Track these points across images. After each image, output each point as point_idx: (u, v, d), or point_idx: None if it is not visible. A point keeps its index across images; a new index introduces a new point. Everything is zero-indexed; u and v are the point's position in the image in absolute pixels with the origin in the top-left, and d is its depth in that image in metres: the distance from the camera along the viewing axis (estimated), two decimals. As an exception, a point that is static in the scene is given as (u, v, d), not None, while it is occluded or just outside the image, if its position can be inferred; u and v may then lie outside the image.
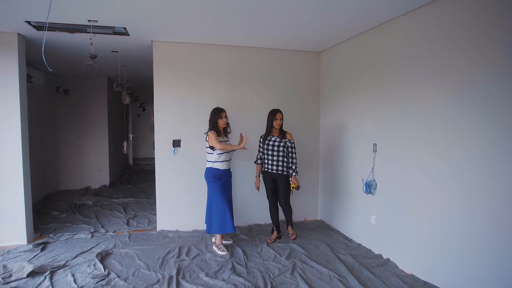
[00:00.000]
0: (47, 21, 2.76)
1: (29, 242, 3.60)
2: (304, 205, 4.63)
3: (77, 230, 4.02)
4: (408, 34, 2.91)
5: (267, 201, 4.50)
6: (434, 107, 2.66)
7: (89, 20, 3.09)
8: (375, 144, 3.39)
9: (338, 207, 4.13)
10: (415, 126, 2.86)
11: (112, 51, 4.36)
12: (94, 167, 6.72)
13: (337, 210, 4.16)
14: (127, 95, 5.54)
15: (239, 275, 2.87)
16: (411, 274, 2.88)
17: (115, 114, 7.28)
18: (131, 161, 10.04)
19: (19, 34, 3.45)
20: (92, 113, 6.62)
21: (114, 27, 3.33)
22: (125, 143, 5.59)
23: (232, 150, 3.49)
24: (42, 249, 3.41)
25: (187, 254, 3.32)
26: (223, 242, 3.61)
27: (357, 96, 3.70)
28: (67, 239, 3.72)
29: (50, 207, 5.03)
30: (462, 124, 2.42)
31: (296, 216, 4.56)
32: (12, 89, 3.48)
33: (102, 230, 4.03)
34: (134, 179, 7.71)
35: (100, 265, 3.00)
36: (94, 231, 4.00)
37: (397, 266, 3.05)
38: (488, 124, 2.23)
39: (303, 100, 4.52)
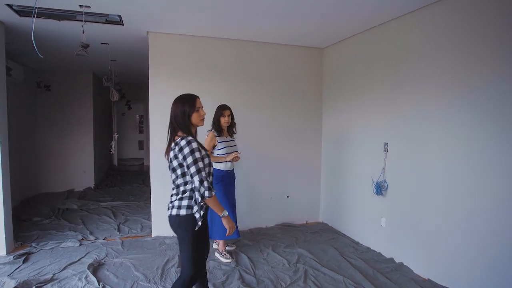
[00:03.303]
0: (36, 5, 2.43)
1: (8, 252, 3.22)
2: (306, 207, 4.47)
3: (63, 237, 3.66)
4: (422, 30, 2.80)
5: (266, 204, 4.31)
6: (448, 104, 2.55)
7: (80, 6, 2.78)
8: (386, 144, 3.26)
9: (344, 209, 3.98)
10: (430, 124, 2.75)
11: (102, 43, 4.03)
12: (78, 168, 6.28)
13: (343, 212, 4.01)
14: (116, 92, 5.18)
15: (248, 285, 2.65)
16: (428, 279, 2.76)
17: (101, 112, 6.87)
18: (115, 162, 9.56)
19: (-2, 20, 3.09)
20: (76, 111, 6.18)
21: (108, 14, 3.03)
22: (113, 143, 5.24)
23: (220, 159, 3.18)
24: (24, 261, 3.05)
25: (188, 263, 3.06)
26: (226, 248, 3.38)
27: (366, 94, 3.56)
28: (52, 248, 3.37)
29: (31, 212, 4.62)
30: (479, 121, 2.32)
31: (298, 219, 4.40)
32: (-10, 82, 3.11)
33: (91, 237, 3.69)
34: (120, 180, 7.30)
35: (93, 278, 2.70)
36: (82, 239, 3.65)
37: (412, 271, 2.92)
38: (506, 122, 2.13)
39: (305, 97, 4.35)
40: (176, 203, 1.87)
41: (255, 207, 4.18)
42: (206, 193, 1.77)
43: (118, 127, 9.77)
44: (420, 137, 2.87)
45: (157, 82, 3.75)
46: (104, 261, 3.08)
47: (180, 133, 1.88)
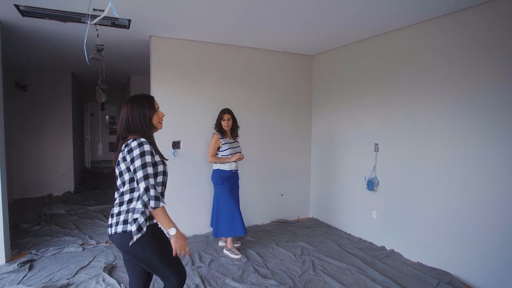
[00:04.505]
0: (88, 12, 2.38)
1: (8, 261, 3.09)
2: (297, 204, 4.75)
3: (61, 243, 3.56)
4: (415, 42, 3.18)
5: (262, 202, 4.54)
6: (436, 107, 2.98)
7: (94, 9, 2.77)
8: (376, 144, 3.64)
9: (335, 204, 4.33)
10: (418, 126, 3.16)
11: (97, 45, 3.95)
12: (56, 172, 5.99)
13: (333, 207, 4.35)
14: (103, 93, 5.06)
15: (265, 277, 2.85)
16: (418, 262, 3.17)
17: (79, 114, 6.59)
18: (88, 165, 9.15)
19: (-3, 19, 2.95)
20: (54, 113, 5.89)
21: (118, 18, 3.04)
22: (100, 145, 5.10)
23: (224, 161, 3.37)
24: (29, 268, 2.96)
25: (200, 261, 3.19)
26: (234, 245, 3.54)
27: (356, 99, 3.91)
28: (54, 254, 3.28)
29: (14, 219, 4.36)
30: (465, 122, 2.75)
31: (290, 215, 4.68)
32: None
33: (92, 241, 3.64)
34: (98, 184, 7.06)
35: (112, 280, 2.72)
36: (83, 243, 3.59)
37: (402, 256, 3.32)
38: (485, 127, 2.58)
39: (295, 101, 4.63)
40: (122, 218, 1.58)
41: (252, 205, 4.37)
42: (151, 203, 1.51)
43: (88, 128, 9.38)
44: (408, 137, 3.27)
45: (158, 85, 3.78)
46: (115, 264, 3.09)
47: (131, 136, 1.66)
